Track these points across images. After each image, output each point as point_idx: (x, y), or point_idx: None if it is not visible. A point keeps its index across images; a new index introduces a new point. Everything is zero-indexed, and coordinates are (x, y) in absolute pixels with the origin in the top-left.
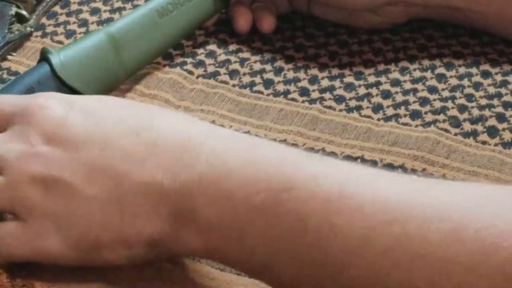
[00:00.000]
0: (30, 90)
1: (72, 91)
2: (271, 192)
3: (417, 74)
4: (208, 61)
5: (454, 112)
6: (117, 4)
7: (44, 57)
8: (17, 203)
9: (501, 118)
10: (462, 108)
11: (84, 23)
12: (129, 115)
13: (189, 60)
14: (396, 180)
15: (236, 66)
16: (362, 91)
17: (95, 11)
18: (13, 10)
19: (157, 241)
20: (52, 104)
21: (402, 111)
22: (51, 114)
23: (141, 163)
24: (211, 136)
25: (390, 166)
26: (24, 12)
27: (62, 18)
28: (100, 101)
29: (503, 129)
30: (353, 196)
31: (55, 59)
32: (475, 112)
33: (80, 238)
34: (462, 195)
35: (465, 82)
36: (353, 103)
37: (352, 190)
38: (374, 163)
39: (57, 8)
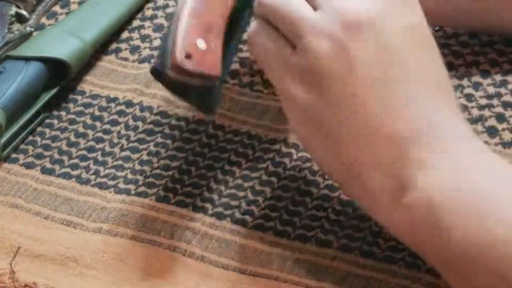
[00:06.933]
0: None
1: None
2: (499, 199)
3: None
4: None
5: None
6: None
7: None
8: (305, 40)
9: (500, 118)
10: (462, 108)
11: None
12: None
13: None
14: None
15: (236, 66)
16: None
17: None
18: (13, 10)
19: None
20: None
21: None
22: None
23: (409, 120)
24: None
25: None
26: (24, 12)
27: (62, 18)
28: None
29: (503, 129)
30: None
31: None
32: (475, 112)
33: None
34: None
35: (465, 82)
36: None
37: None
38: None
39: (57, 8)
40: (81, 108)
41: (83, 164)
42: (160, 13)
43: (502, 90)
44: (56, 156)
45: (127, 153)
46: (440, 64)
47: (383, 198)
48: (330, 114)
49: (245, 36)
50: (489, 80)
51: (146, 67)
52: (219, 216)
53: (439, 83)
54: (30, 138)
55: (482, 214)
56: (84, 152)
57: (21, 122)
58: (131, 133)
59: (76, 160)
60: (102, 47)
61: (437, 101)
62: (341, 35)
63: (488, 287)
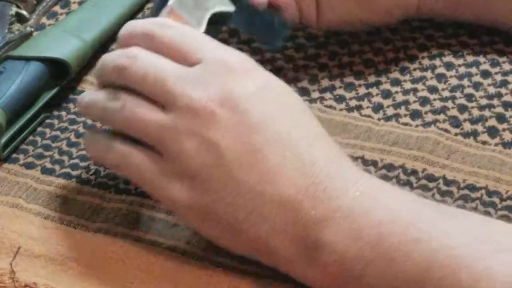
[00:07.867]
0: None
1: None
2: (401, 239)
3: (417, 74)
4: None
5: (454, 112)
6: None
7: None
8: (168, 146)
9: (501, 118)
10: (462, 108)
11: None
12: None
13: None
14: None
15: None
16: (362, 90)
17: None
18: (13, 10)
19: (276, 255)
20: (252, 73)
21: (402, 110)
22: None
23: (290, 179)
24: (362, 178)
25: (390, 166)
26: (24, 12)
27: (62, 18)
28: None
29: (503, 129)
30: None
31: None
32: (475, 112)
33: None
34: None
35: (465, 82)
36: (353, 103)
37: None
38: (374, 163)
39: (57, 8)
40: None
41: (83, 164)
42: None
43: (503, 90)
44: (57, 156)
45: None
46: (299, 108)
47: (296, 260)
48: (217, 203)
49: None
50: (489, 80)
51: None
52: None
53: (308, 129)
54: (31, 138)
55: (388, 255)
56: (85, 152)
57: (22, 122)
58: None
59: (76, 160)
60: (102, 47)
61: (313, 147)
62: (199, 129)
63: None
